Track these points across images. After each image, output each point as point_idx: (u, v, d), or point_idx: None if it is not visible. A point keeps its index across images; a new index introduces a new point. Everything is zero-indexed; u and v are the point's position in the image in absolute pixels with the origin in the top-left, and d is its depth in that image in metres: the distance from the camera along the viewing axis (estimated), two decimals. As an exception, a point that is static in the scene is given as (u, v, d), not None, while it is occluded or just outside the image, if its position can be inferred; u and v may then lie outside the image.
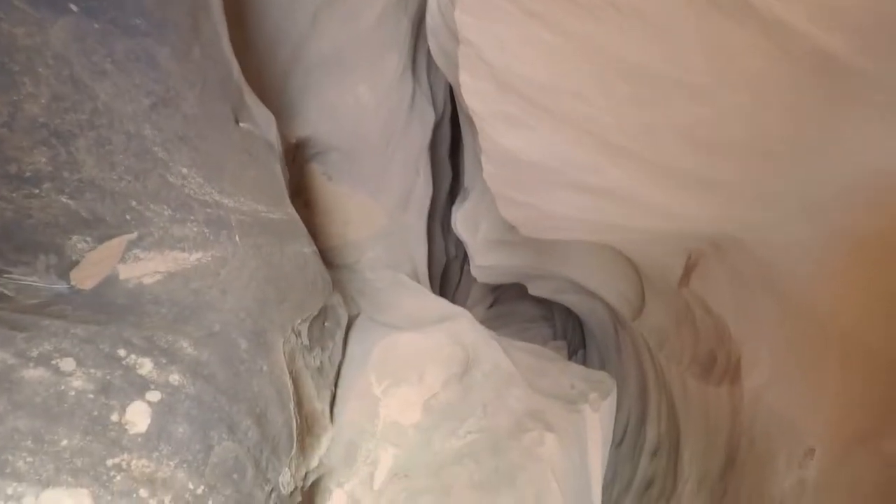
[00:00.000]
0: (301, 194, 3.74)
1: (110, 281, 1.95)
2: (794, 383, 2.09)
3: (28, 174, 1.82)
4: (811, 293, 1.50)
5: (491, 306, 7.56)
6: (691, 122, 1.15)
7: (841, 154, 1.11)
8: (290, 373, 2.10)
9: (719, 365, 2.57)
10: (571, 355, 6.63)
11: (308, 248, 2.53)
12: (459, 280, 7.10)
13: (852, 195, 1.24)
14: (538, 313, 7.62)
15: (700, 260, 2.04)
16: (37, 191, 1.84)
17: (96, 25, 1.71)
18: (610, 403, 2.99)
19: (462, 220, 4.23)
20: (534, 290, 5.05)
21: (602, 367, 5.16)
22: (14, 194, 1.80)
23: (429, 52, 4.15)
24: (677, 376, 3.07)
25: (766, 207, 1.34)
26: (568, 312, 6.75)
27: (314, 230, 3.45)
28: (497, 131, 1.52)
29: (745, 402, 2.39)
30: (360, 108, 3.48)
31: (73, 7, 1.63)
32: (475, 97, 1.48)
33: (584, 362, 6.13)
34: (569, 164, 1.52)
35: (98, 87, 1.82)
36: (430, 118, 4.28)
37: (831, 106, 0.97)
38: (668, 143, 1.26)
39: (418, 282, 4.65)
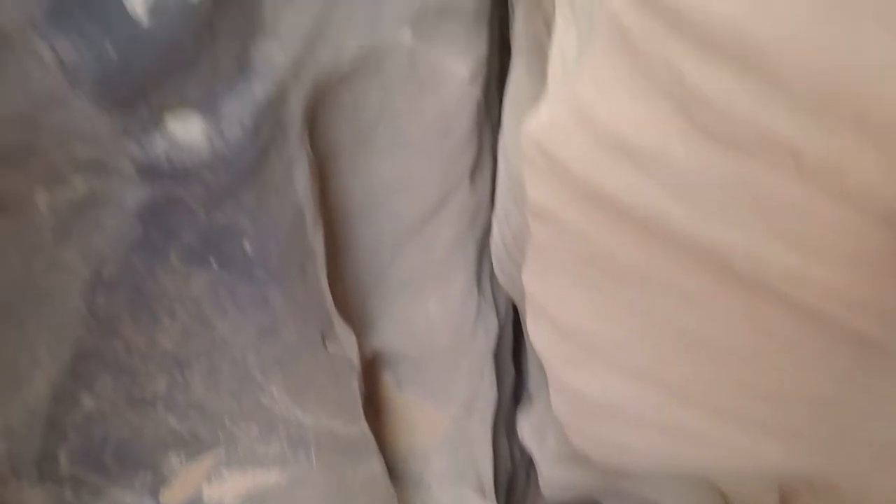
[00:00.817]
0: (371, 402, 3.88)
1: (194, 502, 2.06)
2: None
3: (148, 397, 2.09)
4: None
5: (562, 523, 6.80)
6: (744, 378, 1.24)
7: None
8: None
9: None
10: (662, 593, 5.64)
11: (378, 467, 2.57)
12: (527, 488, 6.57)
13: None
14: (617, 534, 6.74)
15: (795, 499, 1.89)
16: (151, 412, 2.10)
17: (228, 276, 2.12)
18: None
19: (528, 429, 4.14)
20: (610, 508, 4.60)
21: None
22: (133, 415, 2.05)
23: (492, 265, 4.56)
24: None
25: (840, 457, 1.32)
26: (652, 536, 5.94)
27: (381, 438, 3.50)
28: (562, 371, 1.66)
29: None
30: (429, 322, 3.78)
31: (214, 264, 2.06)
32: (540, 341, 1.66)
33: None
34: (633, 402, 1.59)
35: (219, 323, 2.17)
36: (494, 327, 4.51)
37: (873, 377, 1.05)
38: (726, 392, 1.34)
39: (483, 493, 4.39)
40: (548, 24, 1.75)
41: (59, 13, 1.25)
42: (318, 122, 2.14)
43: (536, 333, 1.65)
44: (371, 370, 3.60)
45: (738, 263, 1.01)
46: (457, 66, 2.57)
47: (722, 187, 0.94)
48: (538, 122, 1.10)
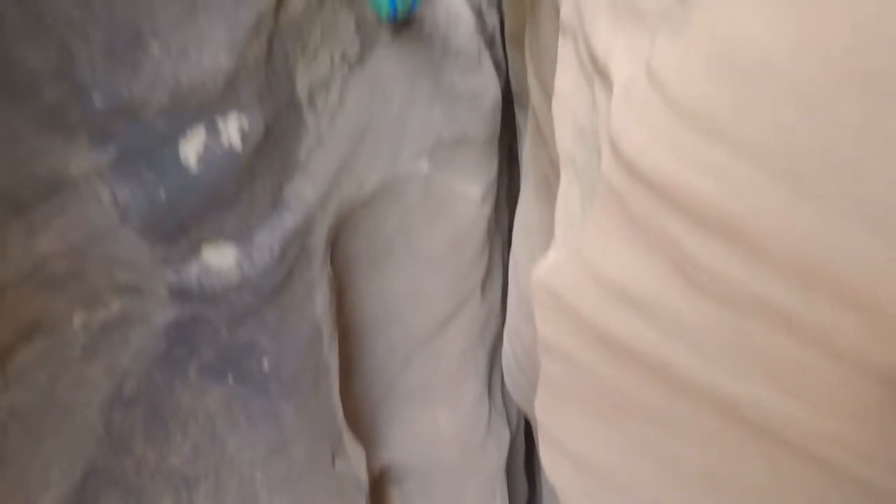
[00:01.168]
0: (376, 521, 3.68)
1: None
2: None
3: (152, 520, 2.04)
4: None
5: None
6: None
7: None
8: None
9: None
10: None
11: None
12: None
13: None
14: None
15: None
16: (153, 535, 2.03)
17: (243, 391, 2.15)
18: None
19: (542, 554, 3.87)
20: None
21: None
22: (135, 541, 1.99)
23: (502, 373, 4.52)
24: None
25: None
26: None
27: (386, 562, 3.29)
28: (575, 501, 1.63)
29: None
30: (438, 434, 3.69)
31: (231, 380, 2.10)
32: (553, 470, 1.64)
33: None
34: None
35: (229, 439, 2.16)
36: (506, 438, 4.37)
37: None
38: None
39: None
40: (554, 164, 1.93)
41: (122, 163, 1.42)
42: (339, 241, 2.27)
43: (549, 462, 1.64)
44: (378, 486, 3.46)
45: (744, 409, 1.05)
46: (469, 189, 2.76)
47: (721, 340, 1.00)
48: (547, 269, 1.19)
